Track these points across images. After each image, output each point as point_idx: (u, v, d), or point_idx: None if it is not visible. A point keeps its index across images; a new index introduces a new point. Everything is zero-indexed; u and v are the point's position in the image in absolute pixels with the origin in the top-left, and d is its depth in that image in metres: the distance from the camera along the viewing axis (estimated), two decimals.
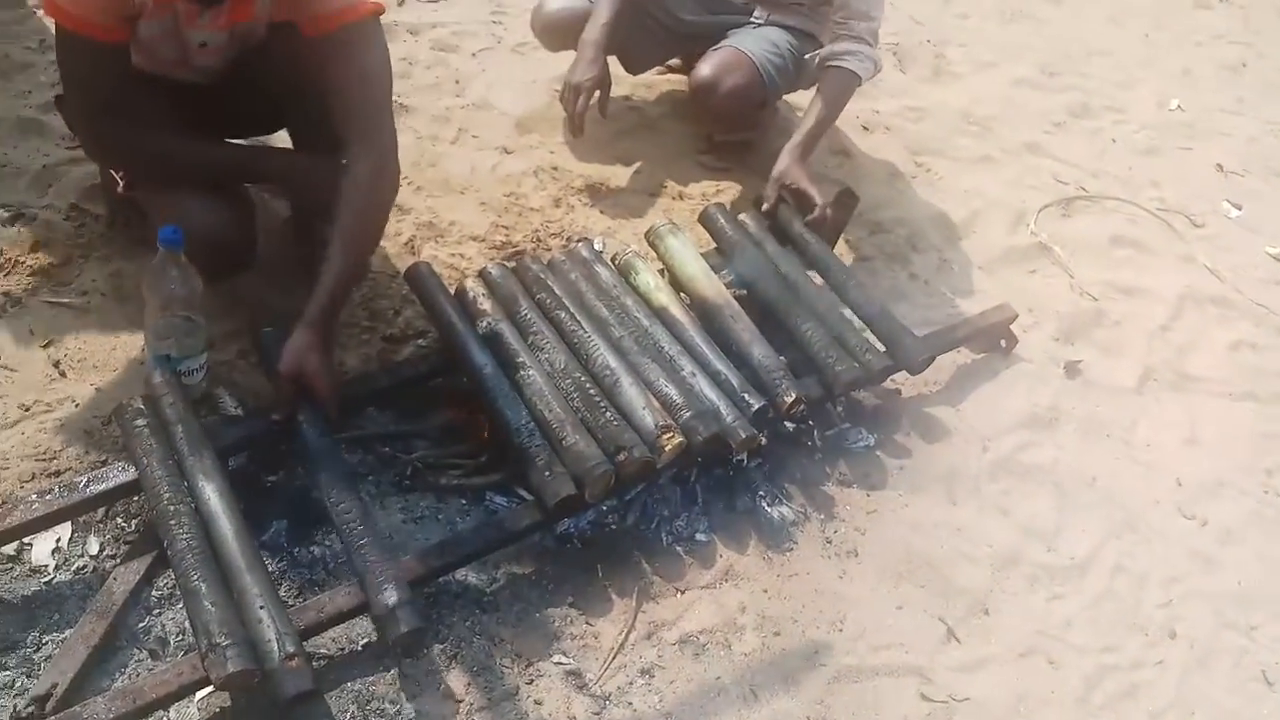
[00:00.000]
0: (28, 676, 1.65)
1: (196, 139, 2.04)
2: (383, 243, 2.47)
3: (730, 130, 2.95)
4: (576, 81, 2.66)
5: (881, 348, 2.28)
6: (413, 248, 2.49)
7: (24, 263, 2.21)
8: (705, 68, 2.76)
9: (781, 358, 2.16)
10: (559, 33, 2.84)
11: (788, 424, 2.19)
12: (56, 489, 1.75)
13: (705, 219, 2.41)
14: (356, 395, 2.03)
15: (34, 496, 1.73)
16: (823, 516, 2.16)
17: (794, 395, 2.08)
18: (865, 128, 3.32)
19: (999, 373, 2.60)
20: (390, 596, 1.66)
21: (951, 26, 4.04)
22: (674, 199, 2.84)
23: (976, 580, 2.15)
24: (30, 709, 1.58)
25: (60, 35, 1.83)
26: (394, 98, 2.83)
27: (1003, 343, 2.62)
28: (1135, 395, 2.68)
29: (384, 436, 2.06)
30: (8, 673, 1.65)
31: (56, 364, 2.07)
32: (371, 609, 1.68)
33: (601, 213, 2.72)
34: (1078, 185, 3.34)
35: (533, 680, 1.79)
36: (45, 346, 2.09)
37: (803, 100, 3.16)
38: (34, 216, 2.29)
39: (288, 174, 2.10)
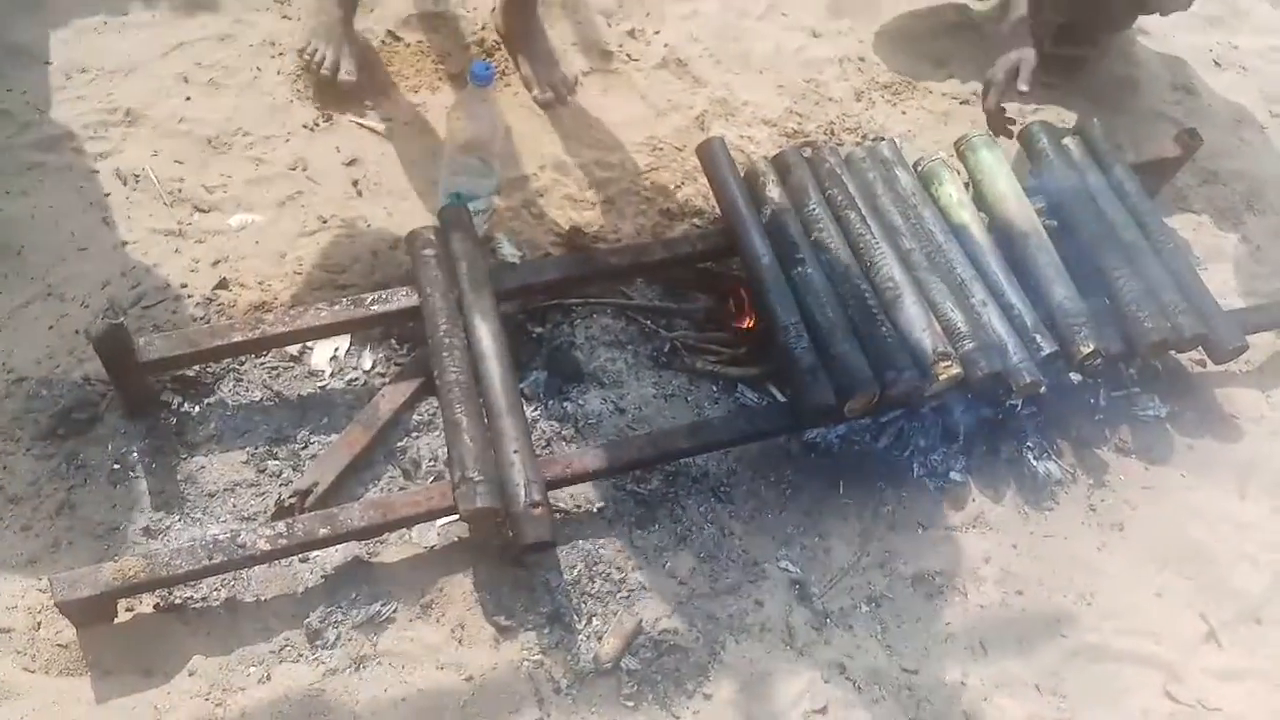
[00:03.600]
0: (294, 469, 1.77)
1: None
2: (673, 114, 2.41)
3: (1064, 44, 2.65)
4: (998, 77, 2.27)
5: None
6: (703, 124, 2.40)
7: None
8: None
9: (1084, 303, 1.95)
10: None
11: (1075, 376, 2.00)
12: (344, 301, 1.83)
13: (1026, 136, 2.19)
14: (628, 264, 2.00)
15: (323, 305, 1.82)
16: (1092, 482, 1.98)
17: (1092, 346, 1.88)
18: (1217, 63, 2.91)
19: None
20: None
21: None
22: None
23: (1254, 584, 1.92)
24: (292, 499, 1.70)
25: None
26: None
27: None
28: None
29: (648, 309, 2.03)
30: (277, 462, 1.77)
31: (355, 183, 2.16)
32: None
33: (904, 113, 2.53)
34: None
35: (756, 580, 1.76)
36: (348, 165, 2.18)
37: (1154, 23, 2.81)
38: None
39: None
